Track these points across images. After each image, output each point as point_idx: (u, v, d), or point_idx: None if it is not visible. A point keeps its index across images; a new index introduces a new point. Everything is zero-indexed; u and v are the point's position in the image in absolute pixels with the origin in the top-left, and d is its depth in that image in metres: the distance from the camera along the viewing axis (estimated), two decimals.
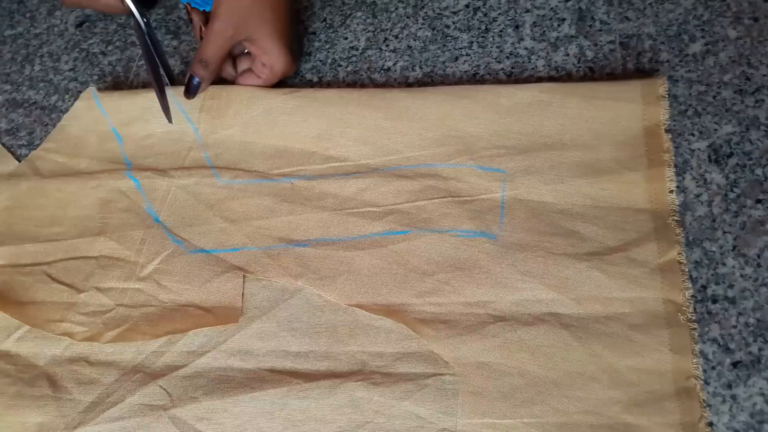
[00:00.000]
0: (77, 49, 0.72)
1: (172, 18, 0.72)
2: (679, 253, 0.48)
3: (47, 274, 0.56)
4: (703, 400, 0.44)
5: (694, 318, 0.46)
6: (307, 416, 0.47)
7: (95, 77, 0.69)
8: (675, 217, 0.50)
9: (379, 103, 0.58)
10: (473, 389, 0.46)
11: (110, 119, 0.63)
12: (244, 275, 0.54)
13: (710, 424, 0.43)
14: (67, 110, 0.66)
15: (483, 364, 0.47)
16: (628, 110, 0.54)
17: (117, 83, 0.68)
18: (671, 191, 0.51)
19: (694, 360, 0.45)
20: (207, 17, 0.61)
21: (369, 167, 0.57)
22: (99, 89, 0.67)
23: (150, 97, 0.62)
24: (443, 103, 0.57)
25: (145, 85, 0.67)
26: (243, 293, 0.53)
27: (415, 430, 0.46)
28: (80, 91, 0.68)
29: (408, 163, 0.56)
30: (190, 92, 0.60)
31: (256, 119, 0.60)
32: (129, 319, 0.53)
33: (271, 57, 0.60)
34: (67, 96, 0.69)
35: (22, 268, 0.57)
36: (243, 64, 0.63)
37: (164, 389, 0.50)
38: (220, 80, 0.63)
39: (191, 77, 0.60)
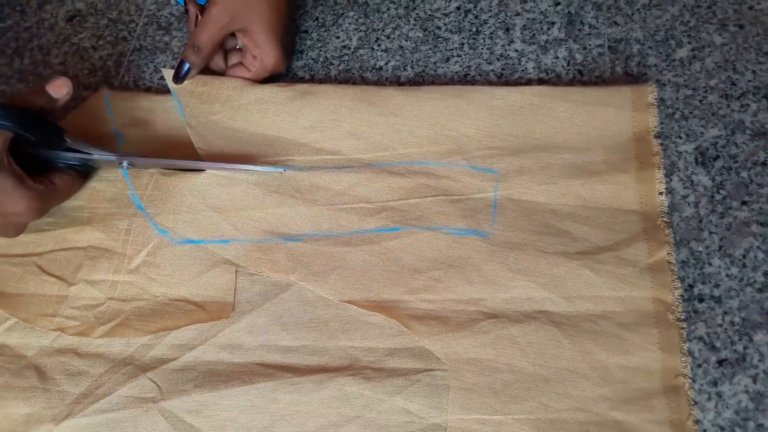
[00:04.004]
0: (67, 43, 0.72)
1: (164, 14, 0.71)
2: (669, 254, 0.49)
3: (38, 266, 0.56)
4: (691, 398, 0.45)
5: (682, 317, 0.47)
6: (296, 410, 0.47)
7: (85, 71, 0.69)
8: (664, 218, 0.51)
9: (373, 99, 0.58)
10: (464, 385, 0.47)
11: (115, 121, 0.63)
12: (236, 270, 0.54)
13: (696, 421, 0.44)
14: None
15: (474, 361, 0.47)
16: (618, 116, 0.55)
17: (107, 78, 0.68)
18: (661, 193, 0.51)
19: (683, 359, 0.46)
20: (203, 10, 0.61)
21: (361, 162, 0.57)
22: (89, 85, 0.67)
23: (157, 99, 0.62)
24: (437, 102, 0.57)
25: (147, 86, 0.67)
26: (235, 288, 0.53)
27: (406, 425, 0.46)
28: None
29: (400, 160, 0.56)
30: (179, 77, 0.60)
31: (246, 107, 0.60)
32: (121, 313, 0.53)
33: (263, 51, 0.60)
34: None
35: (13, 258, 0.56)
36: (234, 58, 0.63)
37: (154, 382, 0.50)
38: (210, 73, 0.63)
39: (182, 62, 0.59)
